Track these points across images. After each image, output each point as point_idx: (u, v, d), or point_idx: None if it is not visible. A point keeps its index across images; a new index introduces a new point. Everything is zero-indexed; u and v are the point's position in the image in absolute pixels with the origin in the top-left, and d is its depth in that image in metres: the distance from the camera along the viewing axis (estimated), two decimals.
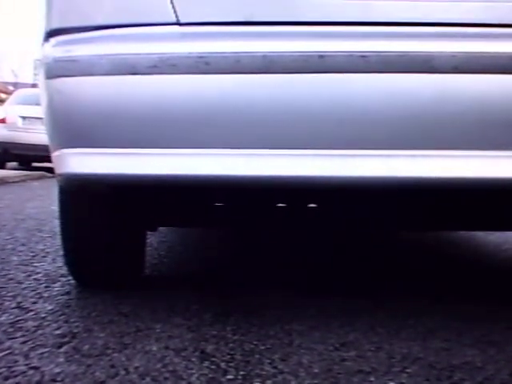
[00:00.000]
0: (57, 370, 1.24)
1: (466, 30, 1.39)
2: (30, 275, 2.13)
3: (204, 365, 1.30)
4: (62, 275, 2.12)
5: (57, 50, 1.42)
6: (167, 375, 1.23)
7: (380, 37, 1.37)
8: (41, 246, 2.78)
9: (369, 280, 2.26)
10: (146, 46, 1.39)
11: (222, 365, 1.30)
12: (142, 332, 1.51)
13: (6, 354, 1.32)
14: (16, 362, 1.28)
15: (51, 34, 1.45)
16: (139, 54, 1.37)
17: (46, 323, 1.56)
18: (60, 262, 2.31)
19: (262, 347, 1.42)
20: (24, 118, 10.50)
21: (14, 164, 11.48)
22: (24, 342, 1.40)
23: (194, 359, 1.33)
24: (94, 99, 1.39)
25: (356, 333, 1.55)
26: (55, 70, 1.41)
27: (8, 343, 1.40)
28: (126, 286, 1.96)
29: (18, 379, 1.19)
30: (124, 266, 1.96)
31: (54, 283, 2.02)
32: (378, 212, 1.84)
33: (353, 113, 1.36)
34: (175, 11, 1.40)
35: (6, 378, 1.19)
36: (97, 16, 1.43)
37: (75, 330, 1.51)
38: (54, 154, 1.50)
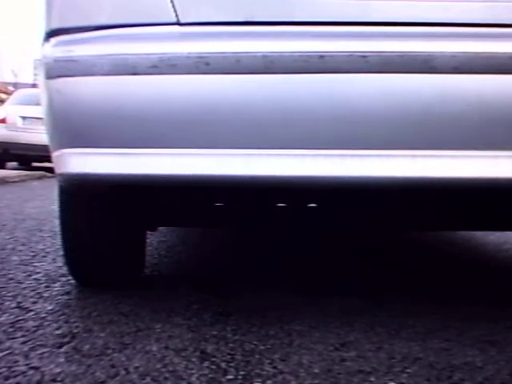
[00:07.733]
0: (57, 370, 1.24)
1: (466, 30, 1.39)
2: (30, 275, 2.13)
3: (204, 365, 1.30)
4: (62, 275, 2.12)
5: (57, 50, 1.42)
6: (167, 375, 1.23)
7: (380, 37, 1.37)
8: (41, 246, 2.78)
9: (369, 280, 2.26)
10: (146, 46, 1.39)
11: (222, 365, 1.30)
12: (142, 332, 1.51)
13: (6, 354, 1.32)
14: (16, 361, 1.28)
15: (51, 34, 1.45)
16: (139, 54, 1.37)
17: (46, 323, 1.56)
18: (60, 261, 2.31)
19: (262, 347, 1.42)
20: (24, 118, 10.49)
21: (14, 164, 11.48)
22: (24, 342, 1.40)
23: (194, 359, 1.33)
24: (94, 99, 1.39)
25: (356, 333, 1.55)
26: (55, 70, 1.41)
27: (8, 343, 1.40)
28: (126, 286, 1.96)
29: (18, 379, 1.19)
30: (124, 266, 1.96)
31: (54, 283, 2.02)
32: (378, 212, 1.84)
33: (353, 113, 1.36)
34: (175, 11, 1.40)
35: (7, 378, 1.19)
36: (97, 16, 1.43)
37: (75, 330, 1.51)
38: (54, 154, 1.50)
